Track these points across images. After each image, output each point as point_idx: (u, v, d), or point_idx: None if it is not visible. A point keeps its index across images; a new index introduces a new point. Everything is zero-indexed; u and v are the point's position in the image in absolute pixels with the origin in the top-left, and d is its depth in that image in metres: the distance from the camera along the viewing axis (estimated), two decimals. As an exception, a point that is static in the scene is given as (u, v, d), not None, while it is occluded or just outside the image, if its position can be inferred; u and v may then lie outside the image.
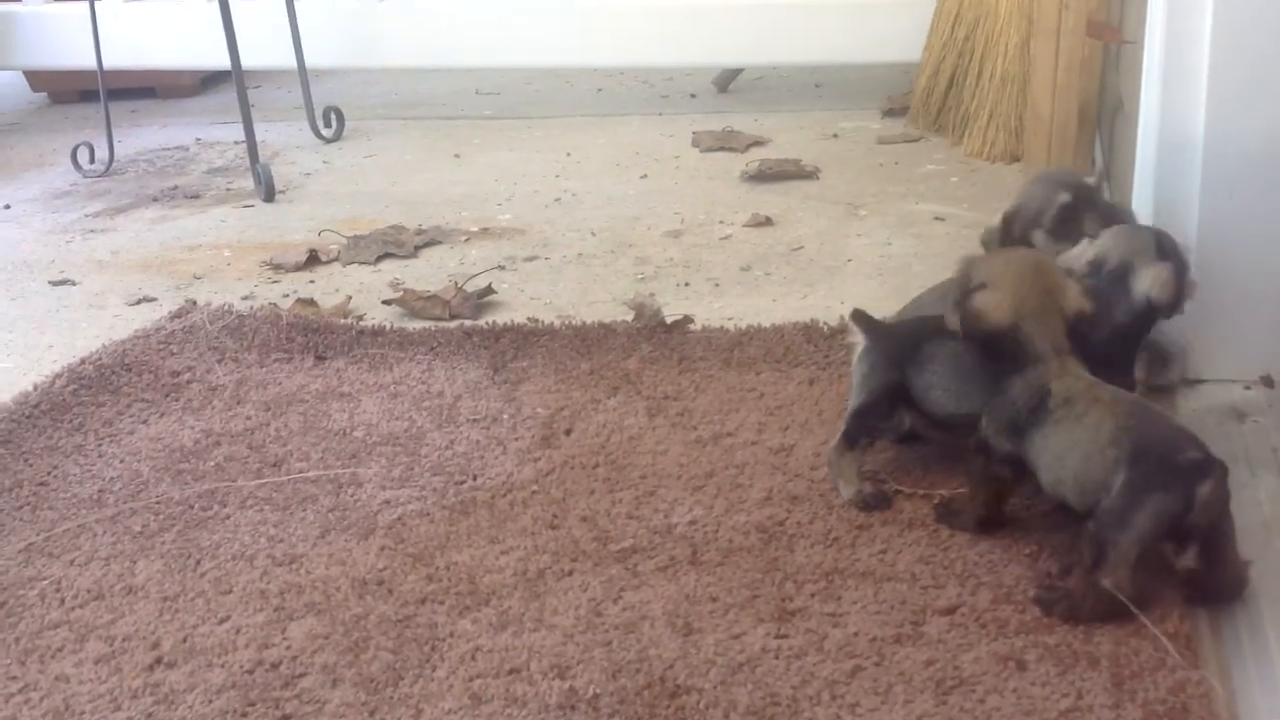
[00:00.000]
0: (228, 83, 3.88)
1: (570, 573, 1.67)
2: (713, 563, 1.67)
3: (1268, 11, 1.85)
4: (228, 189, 3.46)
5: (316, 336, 2.40)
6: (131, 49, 4.02)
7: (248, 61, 3.45)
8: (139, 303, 2.69)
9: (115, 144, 3.66)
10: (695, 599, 1.60)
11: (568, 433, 2.02)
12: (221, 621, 1.62)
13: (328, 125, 3.85)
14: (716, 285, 2.62)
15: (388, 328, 2.43)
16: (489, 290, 2.60)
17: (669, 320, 2.36)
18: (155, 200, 3.40)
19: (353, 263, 2.85)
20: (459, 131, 3.89)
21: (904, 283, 2.48)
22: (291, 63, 3.80)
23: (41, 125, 4.23)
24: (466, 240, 2.97)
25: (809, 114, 3.83)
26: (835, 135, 3.61)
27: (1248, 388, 2.00)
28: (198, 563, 1.74)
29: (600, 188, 3.29)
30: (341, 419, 2.11)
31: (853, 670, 1.46)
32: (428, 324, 2.46)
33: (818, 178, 3.25)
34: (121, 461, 2.02)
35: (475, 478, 1.91)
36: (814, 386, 2.12)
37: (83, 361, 2.32)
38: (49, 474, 1.99)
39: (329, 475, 1.95)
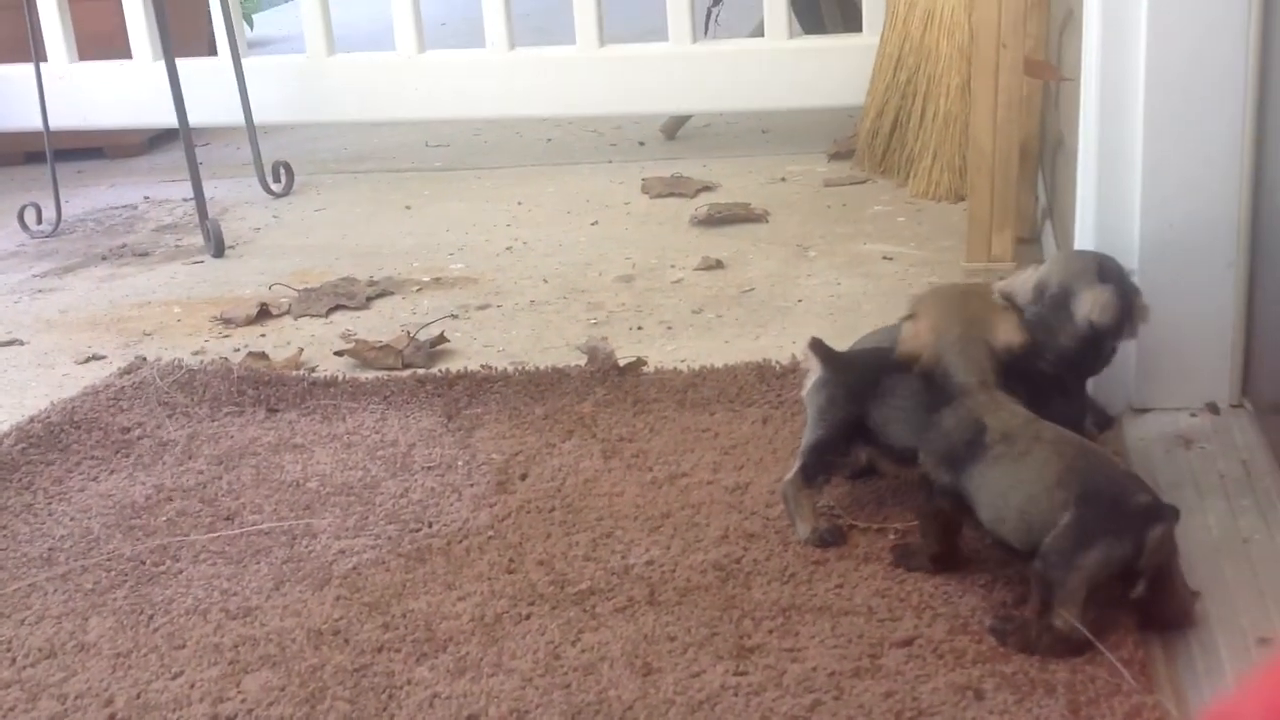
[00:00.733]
0: (176, 141, 3.88)
1: (528, 616, 1.66)
2: (670, 602, 1.67)
3: (1199, 45, 1.89)
4: (177, 246, 3.45)
5: (268, 389, 2.39)
6: (78, 109, 4.01)
7: (195, 119, 3.45)
8: (88, 361, 2.67)
9: (63, 204, 3.64)
10: (653, 639, 1.59)
11: (523, 477, 2.02)
12: (175, 677, 1.60)
13: (277, 180, 3.85)
14: (669, 328, 2.63)
15: (340, 378, 2.43)
16: (441, 339, 2.60)
17: (622, 363, 2.36)
18: (104, 259, 3.38)
19: (304, 315, 2.85)
20: (409, 183, 3.90)
21: (854, 321, 2.50)
22: (240, 119, 3.80)
23: (-13, 187, 4.21)
24: (418, 290, 2.97)
25: (756, 159, 3.87)
26: (783, 179, 3.65)
27: (1194, 415, 2.02)
28: (150, 618, 1.72)
29: (551, 235, 3.30)
30: (295, 470, 2.10)
31: (812, 704, 1.46)
32: (380, 374, 2.46)
33: (767, 221, 3.28)
34: (72, 519, 2.00)
35: (431, 525, 1.90)
36: (768, 425, 2.13)
37: (31, 420, 2.29)
38: (-3, 534, 1.96)
39: (283, 527, 1.93)
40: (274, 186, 3.83)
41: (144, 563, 1.86)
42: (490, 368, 2.43)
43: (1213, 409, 2.02)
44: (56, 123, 3.63)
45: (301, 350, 2.61)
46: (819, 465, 1.79)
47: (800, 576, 1.70)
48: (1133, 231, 1.98)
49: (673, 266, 3.00)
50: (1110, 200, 2.00)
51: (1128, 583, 1.51)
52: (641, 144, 4.17)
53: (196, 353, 2.66)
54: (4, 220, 3.73)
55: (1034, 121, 2.97)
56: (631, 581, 1.72)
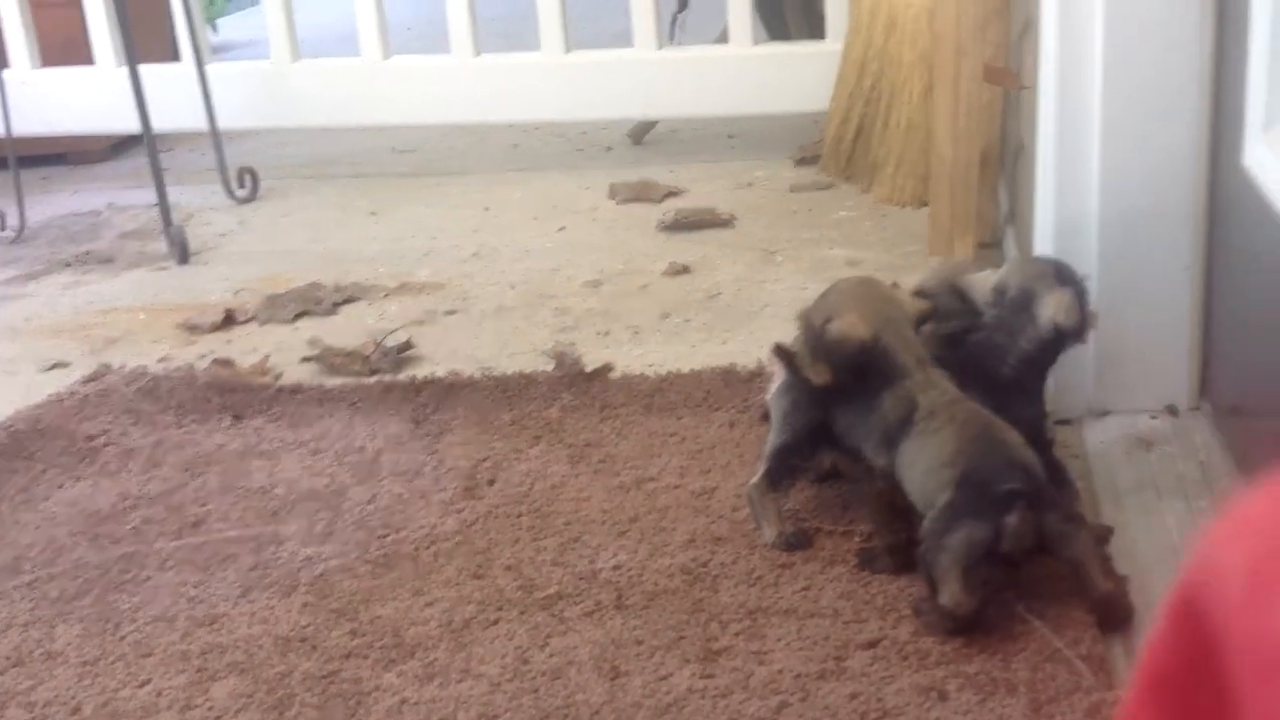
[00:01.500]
0: (139, 147, 3.86)
1: (496, 621, 1.67)
2: (638, 606, 1.68)
3: (1155, 52, 1.92)
4: (141, 252, 3.43)
5: (234, 396, 2.38)
6: (41, 115, 3.99)
7: (159, 125, 3.43)
8: (52, 368, 2.66)
9: (26, 211, 3.62)
10: (621, 643, 1.61)
11: (491, 483, 2.03)
12: (143, 685, 1.60)
13: (242, 186, 3.83)
14: (636, 333, 2.64)
15: (307, 385, 2.43)
16: (408, 345, 2.61)
17: (589, 369, 2.37)
18: (68, 265, 3.36)
19: (270, 322, 2.84)
20: (376, 189, 3.90)
21: (819, 326, 2.52)
22: (204, 125, 3.79)
23: (-51, 194, 4.18)
24: (385, 296, 2.97)
25: (723, 164, 3.88)
26: (749, 184, 3.66)
27: (1154, 417, 2.05)
28: (117, 626, 1.72)
29: (518, 241, 3.31)
30: (261, 477, 2.10)
31: (778, 706, 1.47)
32: (347, 380, 2.46)
33: (733, 226, 3.29)
34: (37, 527, 1.99)
35: (398, 531, 1.91)
36: (734, 429, 2.14)
37: (-5, 428, 2.29)
38: (-38, 543, 1.95)
39: (250, 534, 1.93)
40: (239, 192, 3.82)
41: (110, 571, 1.86)
42: (457, 374, 2.44)
43: (1172, 411, 2.05)
44: (20, 129, 3.61)
45: (268, 357, 2.61)
46: (784, 469, 1.81)
47: (767, 579, 1.71)
48: (1091, 235, 2.01)
49: (640, 271, 3.01)
50: (1069, 205, 2.03)
51: (1007, 570, 1.55)
52: (608, 149, 4.18)
53: (161, 360, 2.65)
54: (-34, 227, 3.70)
55: (995, 128, 2.99)
56: (599, 586, 1.73)
